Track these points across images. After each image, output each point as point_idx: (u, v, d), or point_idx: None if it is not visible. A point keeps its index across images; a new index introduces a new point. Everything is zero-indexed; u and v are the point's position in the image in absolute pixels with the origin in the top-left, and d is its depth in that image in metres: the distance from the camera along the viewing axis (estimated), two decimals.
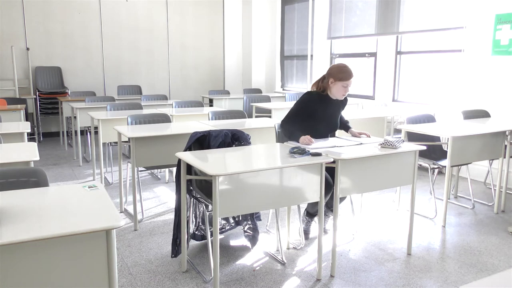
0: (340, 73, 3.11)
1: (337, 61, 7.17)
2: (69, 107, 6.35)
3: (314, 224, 3.37)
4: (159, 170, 5.14)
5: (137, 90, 7.91)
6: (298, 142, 3.01)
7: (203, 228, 3.16)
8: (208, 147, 2.92)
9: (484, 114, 4.53)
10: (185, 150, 2.81)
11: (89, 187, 1.96)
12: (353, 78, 3.12)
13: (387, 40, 6.23)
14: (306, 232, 3.34)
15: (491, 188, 4.56)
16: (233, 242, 3.27)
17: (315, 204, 2.97)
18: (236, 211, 2.54)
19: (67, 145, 6.92)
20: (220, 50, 9.03)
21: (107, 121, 4.56)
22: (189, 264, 2.88)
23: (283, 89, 8.66)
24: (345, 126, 3.43)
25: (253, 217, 3.20)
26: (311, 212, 3.34)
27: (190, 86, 8.80)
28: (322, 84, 3.22)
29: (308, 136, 3.01)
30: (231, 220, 3.35)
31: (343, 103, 3.35)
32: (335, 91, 3.16)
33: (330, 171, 2.70)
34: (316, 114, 3.19)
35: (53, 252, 1.51)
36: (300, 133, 3.07)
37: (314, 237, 3.31)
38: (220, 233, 3.32)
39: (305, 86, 7.80)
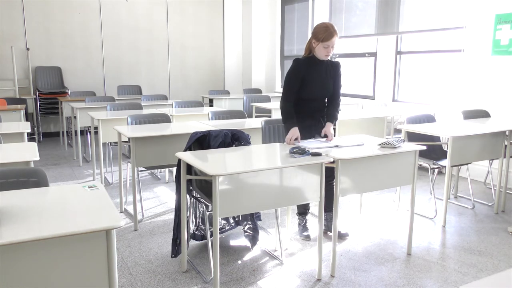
0: (320, 34, 2.98)
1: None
2: (69, 107, 6.35)
3: (313, 224, 3.36)
4: (159, 170, 5.14)
5: (137, 90, 7.91)
6: (288, 129, 3.01)
7: (203, 228, 3.16)
8: (208, 147, 2.92)
9: (484, 114, 4.53)
10: (185, 150, 2.81)
11: (89, 187, 1.96)
12: (336, 37, 2.97)
13: (387, 40, 6.23)
14: (307, 235, 3.35)
15: (491, 188, 4.56)
16: (233, 242, 3.27)
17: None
18: (236, 211, 2.54)
19: (67, 145, 6.92)
20: (220, 50, 9.03)
21: (107, 121, 4.56)
22: (189, 264, 2.88)
23: None
24: (329, 116, 3.19)
25: (253, 217, 3.20)
26: (300, 211, 3.39)
27: (190, 86, 8.80)
28: (308, 46, 3.13)
29: (295, 134, 2.97)
30: (231, 220, 3.35)
31: (335, 66, 3.21)
32: (318, 52, 3.05)
33: (330, 171, 2.69)
34: (307, 78, 3.10)
35: (53, 252, 1.51)
36: (293, 122, 3.03)
37: (314, 237, 3.31)
38: (220, 233, 3.32)
39: None
